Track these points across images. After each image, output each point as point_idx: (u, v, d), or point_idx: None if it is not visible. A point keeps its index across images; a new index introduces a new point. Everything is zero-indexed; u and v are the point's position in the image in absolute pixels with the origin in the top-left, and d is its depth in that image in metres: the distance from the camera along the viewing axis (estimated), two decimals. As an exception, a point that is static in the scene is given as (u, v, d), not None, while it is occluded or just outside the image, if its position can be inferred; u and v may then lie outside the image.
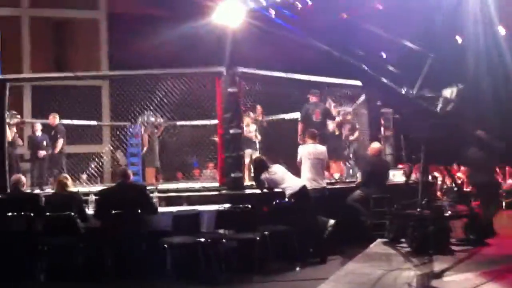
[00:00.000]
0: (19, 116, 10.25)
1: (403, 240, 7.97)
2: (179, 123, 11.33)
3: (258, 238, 7.23)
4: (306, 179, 8.36)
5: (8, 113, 9.47)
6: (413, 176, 9.73)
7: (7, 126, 9.67)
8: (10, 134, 9.95)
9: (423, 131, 8.53)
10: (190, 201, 8.15)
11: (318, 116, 10.27)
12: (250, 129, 10.95)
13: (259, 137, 11.12)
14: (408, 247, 7.69)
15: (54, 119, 10.95)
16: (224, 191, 8.69)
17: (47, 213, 7.04)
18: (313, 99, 10.43)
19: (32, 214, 6.99)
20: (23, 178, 7.72)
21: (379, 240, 8.33)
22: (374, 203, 8.86)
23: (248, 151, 10.79)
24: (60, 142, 10.78)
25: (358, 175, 10.09)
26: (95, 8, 19.48)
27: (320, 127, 9.98)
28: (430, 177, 10.28)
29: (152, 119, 10.47)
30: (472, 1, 10.63)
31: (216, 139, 10.27)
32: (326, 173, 9.01)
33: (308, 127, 9.70)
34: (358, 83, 10.66)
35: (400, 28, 13.36)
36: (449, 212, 8.29)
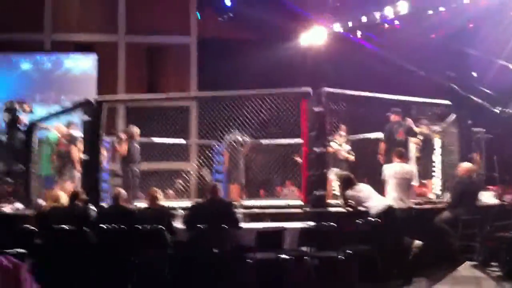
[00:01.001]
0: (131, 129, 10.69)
1: (494, 263, 7.63)
2: (263, 141, 11.48)
3: (341, 257, 7.19)
4: (392, 198, 8.24)
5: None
6: (506, 198, 9.30)
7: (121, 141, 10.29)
8: (124, 148, 10.33)
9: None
10: (274, 218, 8.22)
11: (401, 135, 10.15)
12: (341, 149, 10.98)
13: (352, 157, 11.11)
14: (499, 271, 7.35)
15: None
16: (307, 209, 8.72)
17: (139, 226, 7.33)
18: (395, 118, 10.33)
19: (125, 227, 7.32)
20: (123, 192, 8.04)
21: (468, 263, 8.01)
22: (463, 225, 8.54)
23: (335, 170, 10.78)
24: None
25: (447, 195, 9.78)
26: (187, 34, 20.26)
27: (403, 146, 9.86)
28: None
29: (239, 137, 10.71)
30: None
31: (298, 159, 10.35)
32: (414, 192, 8.81)
33: (392, 146, 9.58)
34: (447, 102, 10.41)
35: (493, 46, 12.98)
36: (545, 237, 7.85)
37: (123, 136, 10.56)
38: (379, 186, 8.51)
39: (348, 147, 11.24)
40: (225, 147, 10.76)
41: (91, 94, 14.99)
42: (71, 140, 10.41)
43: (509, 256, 7.32)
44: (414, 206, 8.54)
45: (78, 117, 10.25)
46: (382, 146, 10.27)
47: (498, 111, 8.34)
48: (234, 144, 10.73)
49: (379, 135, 10.98)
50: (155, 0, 19.40)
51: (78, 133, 10.32)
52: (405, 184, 8.38)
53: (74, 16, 19.26)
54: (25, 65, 18.05)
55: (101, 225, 7.38)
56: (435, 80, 9.08)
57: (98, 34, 19.53)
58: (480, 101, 8.38)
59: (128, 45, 19.97)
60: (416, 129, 10.75)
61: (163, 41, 20.16)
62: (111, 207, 8.06)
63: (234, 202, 8.42)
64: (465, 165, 9.35)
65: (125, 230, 7.27)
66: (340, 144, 11.00)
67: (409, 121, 10.64)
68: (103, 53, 19.10)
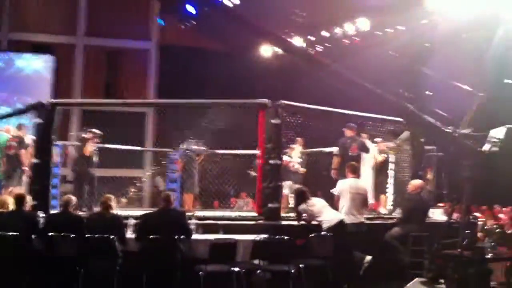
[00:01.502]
0: (95, 131, 10.46)
1: (442, 280, 7.76)
2: (219, 151, 11.45)
3: (292, 271, 7.20)
4: (344, 213, 8.30)
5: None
6: (455, 215, 9.51)
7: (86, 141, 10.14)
8: (88, 149, 10.19)
9: (467, 170, 8.38)
10: (227, 229, 8.17)
11: (355, 150, 10.21)
12: (294, 161, 11.01)
13: (302, 169, 11.14)
14: (446, 288, 7.49)
15: None
16: (261, 221, 8.70)
17: (88, 235, 7.16)
18: (349, 133, 10.42)
19: (74, 236, 7.13)
20: (73, 199, 7.80)
21: (417, 279, 8.12)
22: (413, 241, 8.69)
23: (288, 183, 10.82)
24: None
25: (398, 211, 9.95)
26: (148, 39, 20.10)
27: (356, 161, 9.90)
28: (471, 218, 10.04)
29: (194, 146, 10.62)
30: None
31: (252, 173, 10.34)
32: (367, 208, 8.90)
33: (345, 161, 9.68)
34: (399, 119, 10.59)
35: (448, 67, 13.34)
36: (491, 254, 8.04)
37: (88, 136, 10.35)
38: (333, 200, 8.57)
39: (299, 160, 11.26)
40: (180, 155, 10.66)
41: (46, 96, 14.68)
42: (21, 143, 10.11)
43: (456, 274, 7.45)
44: (365, 221, 8.61)
45: (30, 120, 9.98)
46: (336, 160, 10.34)
47: (448, 130, 8.52)
48: (189, 153, 10.64)
49: (334, 149, 11.07)
50: (117, 4, 19.20)
51: (29, 136, 10.05)
52: (358, 199, 8.46)
53: (33, 17, 18.90)
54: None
55: (48, 232, 7.17)
56: (390, 98, 9.25)
57: (57, 35, 19.18)
58: (432, 120, 8.55)
59: (87, 48, 19.68)
60: (372, 146, 10.90)
61: (123, 45, 19.99)
62: (60, 214, 7.84)
63: (187, 212, 8.35)
64: (416, 182, 9.53)
65: (74, 238, 7.09)
66: (291, 156, 11.03)
67: (364, 137, 10.78)
68: (61, 55, 18.77)
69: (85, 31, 19.63)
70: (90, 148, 10.24)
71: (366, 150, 10.61)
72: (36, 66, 18.07)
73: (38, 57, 18.27)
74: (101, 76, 19.64)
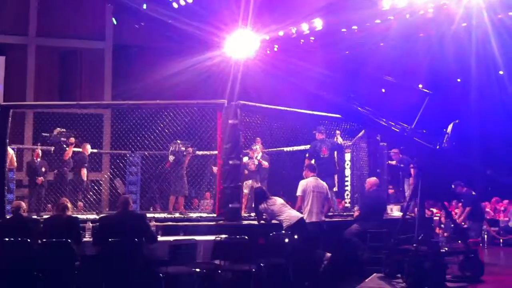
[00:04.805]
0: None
1: (399, 275, 7.94)
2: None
3: (253, 270, 7.24)
4: (305, 212, 8.39)
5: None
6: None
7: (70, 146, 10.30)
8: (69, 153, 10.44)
9: (420, 166, 8.61)
10: (187, 230, 8.15)
11: (325, 152, 10.57)
12: (254, 161, 11.05)
13: (265, 163, 11.19)
14: (403, 283, 7.66)
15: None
16: (221, 222, 8.71)
17: (45, 239, 7.01)
18: (319, 136, 10.69)
19: (29, 240, 6.97)
20: (23, 204, 7.68)
21: (375, 274, 8.30)
22: (371, 237, 8.87)
23: (249, 182, 10.85)
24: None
25: (356, 208, 10.12)
26: (101, 39, 19.78)
27: (328, 162, 10.31)
28: (428, 213, 10.33)
29: (182, 148, 10.55)
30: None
31: (215, 168, 10.34)
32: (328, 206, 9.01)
33: (317, 163, 9.90)
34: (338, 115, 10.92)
35: (400, 66, 13.64)
36: (446, 249, 8.28)
37: (71, 141, 10.49)
38: (294, 200, 8.64)
39: (260, 154, 11.31)
40: (138, 158, 10.57)
41: (-4, 98, 14.28)
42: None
43: (412, 268, 7.62)
44: (325, 219, 8.73)
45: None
46: (307, 162, 10.51)
47: (398, 130, 8.73)
48: (177, 154, 10.54)
49: (296, 148, 11.26)
50: (69, 4, 18.77)
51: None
52: (319, 198, 8.54)
53: (-17, 17, 18.32)
54: None
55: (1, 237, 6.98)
56: (340, 100, 9.49)
57: (7, 36, 18.64)
58: (383, 120, 8.75)
59: (39, 48, 19.21)
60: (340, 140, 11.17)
61: (76, 45, 19.58)
62: (11, 218, 7.65)
63: (176, 214, 8.21)
64: (371, 180, 9.73)
65: (28, 243, 6.92)
66: (252, 157, 11.07)
67: (337, 133, 11.06)
68: (12, 56, 18.27)
69: (36, 31, 19.16)
70: (71, 152, 10.38)
71: (338, 147, 10.91)
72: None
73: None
74: (54, 77, 19.20)
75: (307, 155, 10.72)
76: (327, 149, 10.57)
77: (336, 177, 11.07)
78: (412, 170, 11.36)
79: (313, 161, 10.10)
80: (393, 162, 12.03)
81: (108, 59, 19.80)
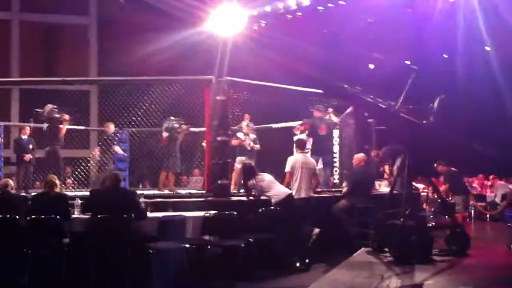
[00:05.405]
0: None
1: (386, 249, 8.05)
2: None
3: (242, 245, 7.30)
4: (294, 188, 8.43)
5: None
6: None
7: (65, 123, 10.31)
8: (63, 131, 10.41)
9: (406, 142, 8.68)
10: (176, 207, 8.16)
11: (323, 130, 10.67)
12: (247, 138, 11.02)
13: (257, 146, 11.16)
14: (391, 256, 7.78)
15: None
16: (210, 198, 8.74)
17: (33, 216, 6.99)
18: (317, 114, 10.70)
19: (17, 217, 6.95)
20: (10, 182, 7.66)
21: (363, 249, 8.42)
22: (359, 213, 8.95)
23: (240, 159, 10.81)
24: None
25: (344, 184, 10.19)
26: (86, 14, 19.50)
27: (327, 140, 10.53)
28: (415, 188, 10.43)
29: (176, 125, 10.46)
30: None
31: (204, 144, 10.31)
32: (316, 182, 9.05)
33: (316, 140, 10.08)
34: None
35: (391, 43, 13.61)
36: (432, 223, 8.40)
37: (66, 117, 10.42)
38: (283, 176, 8.67)
39: (253, 136, 11.34)
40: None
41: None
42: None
43: (399, 242, 7.74)
44: (313, 195, 8.78)
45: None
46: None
47: (385, 106, 8.77)
48: (172, 131, 10.47)
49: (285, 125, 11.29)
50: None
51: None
52: (308, 174, 8.57)
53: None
54: None
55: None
56: (328, 80, 9.51)
57: (-11, 11, 18.36)
58: (371, 97, 8.79)
59: (23, 24, 18.91)
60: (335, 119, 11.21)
61: (60, 21, 19.30)
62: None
63: (166, 191, 8.14)
64: (359, 156, 9.78)
65: (16, 220, 6.90)
66: (246, 134, 11.06)
67: (329, 111, 11.11)
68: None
69: (20, 6, 18.84)
70: (64, 129, 10.36)
71: (335, 126, 10.98)
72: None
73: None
74: (39, 53, 18.95)
75: (306, 133, 10.74)
76: (326, 127, 10.66)
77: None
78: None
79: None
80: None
81: (93, 34, 19.56)
